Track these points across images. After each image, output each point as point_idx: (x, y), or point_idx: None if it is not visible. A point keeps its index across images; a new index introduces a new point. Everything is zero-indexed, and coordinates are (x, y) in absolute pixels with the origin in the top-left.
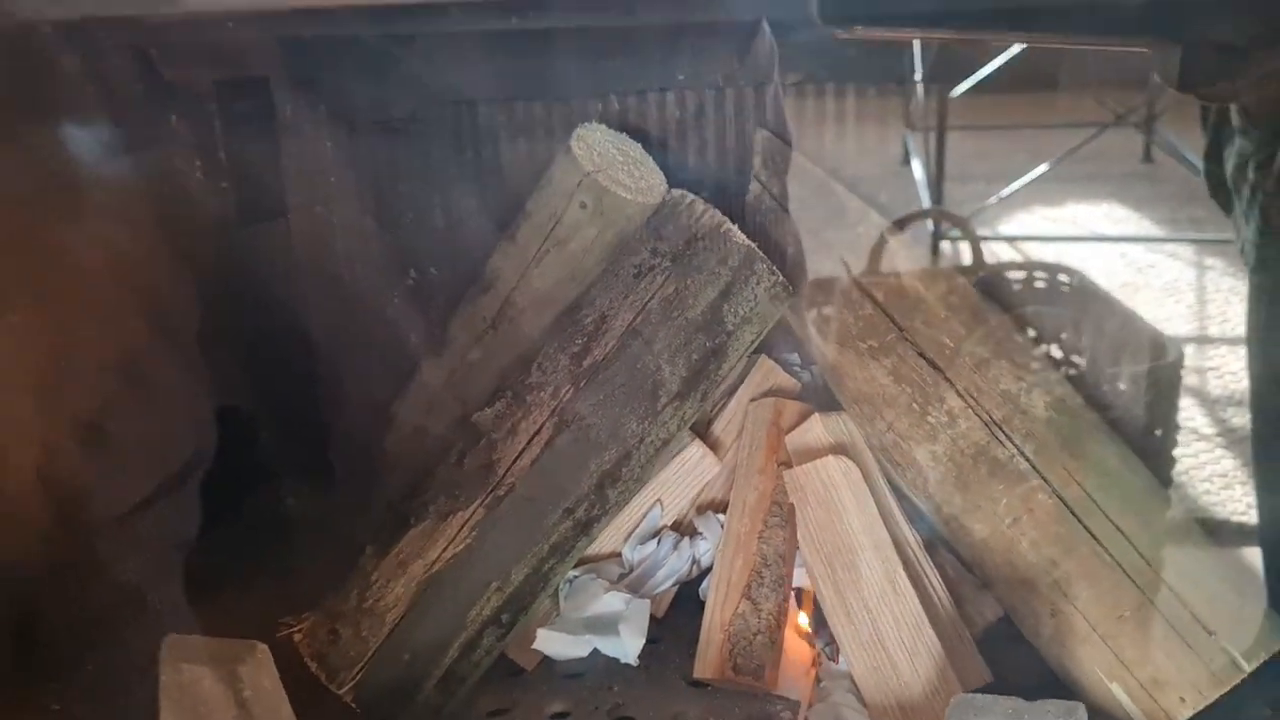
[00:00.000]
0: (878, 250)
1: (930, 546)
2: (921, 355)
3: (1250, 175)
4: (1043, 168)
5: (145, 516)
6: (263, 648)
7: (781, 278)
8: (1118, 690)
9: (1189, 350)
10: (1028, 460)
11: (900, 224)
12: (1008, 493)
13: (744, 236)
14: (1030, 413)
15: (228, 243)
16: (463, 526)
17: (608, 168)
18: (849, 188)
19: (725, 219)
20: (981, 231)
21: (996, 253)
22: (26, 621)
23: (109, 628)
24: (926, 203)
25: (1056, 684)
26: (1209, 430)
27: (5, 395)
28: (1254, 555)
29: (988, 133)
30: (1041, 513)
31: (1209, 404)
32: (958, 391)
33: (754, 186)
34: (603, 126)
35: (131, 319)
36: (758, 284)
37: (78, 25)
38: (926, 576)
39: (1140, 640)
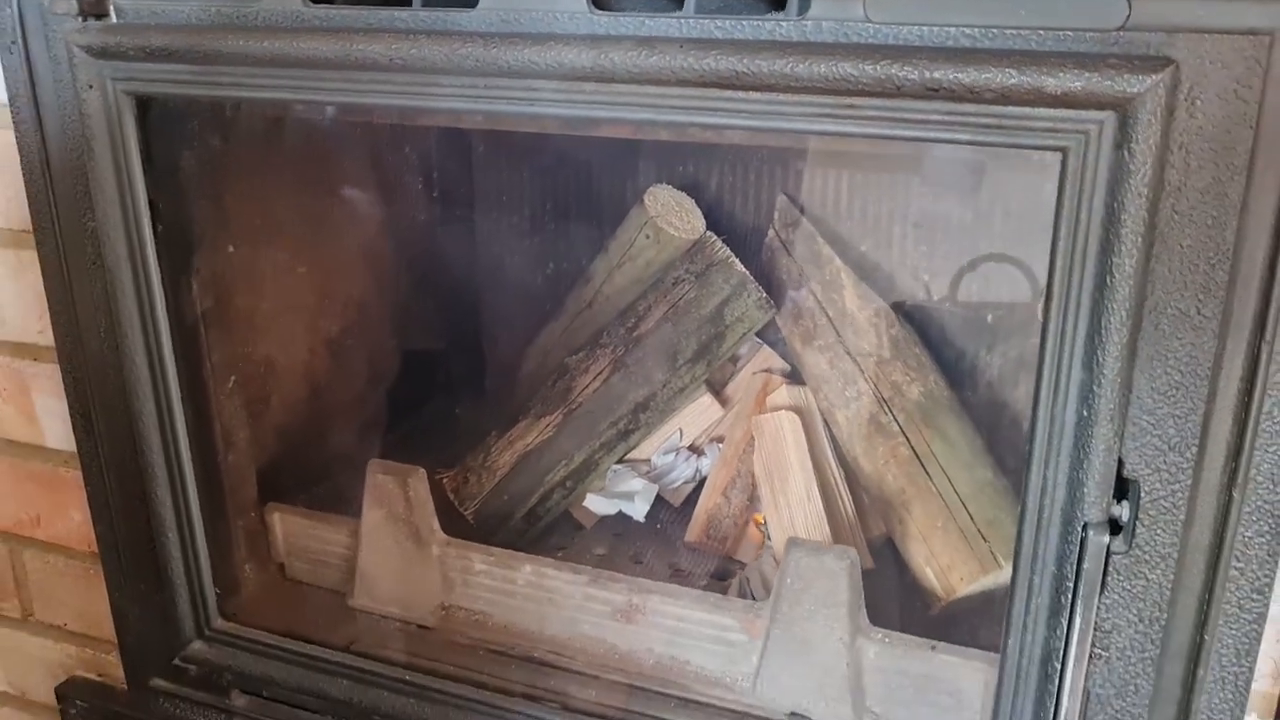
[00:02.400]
0: (956, 280)
1: (850, 476)
2: (848, 353)
3: None
4: None
5: (362, 401)
6: (421, 470)
7: (765, 294)
8: (929, 571)
9: None
10: (899, 425)
11: (972, 264)
12: (884, 444)
13: (742, 266)
14: (907, 396)
15: (432, 232)
16: (549, 425)
17: (666, 214)
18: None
19: (732, 254)
20: None
21: None
22: (287, 456)
23: (338, 462)
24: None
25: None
26: None
27: (289, 318)
28: None
29: None
30: (901, 458)
31: None
32: (865, 378)
33: (771, 232)
34: (669, 187)
35: (365, 277)
36: (748, 297)
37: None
38: (838, 492)
39: (944, 542)
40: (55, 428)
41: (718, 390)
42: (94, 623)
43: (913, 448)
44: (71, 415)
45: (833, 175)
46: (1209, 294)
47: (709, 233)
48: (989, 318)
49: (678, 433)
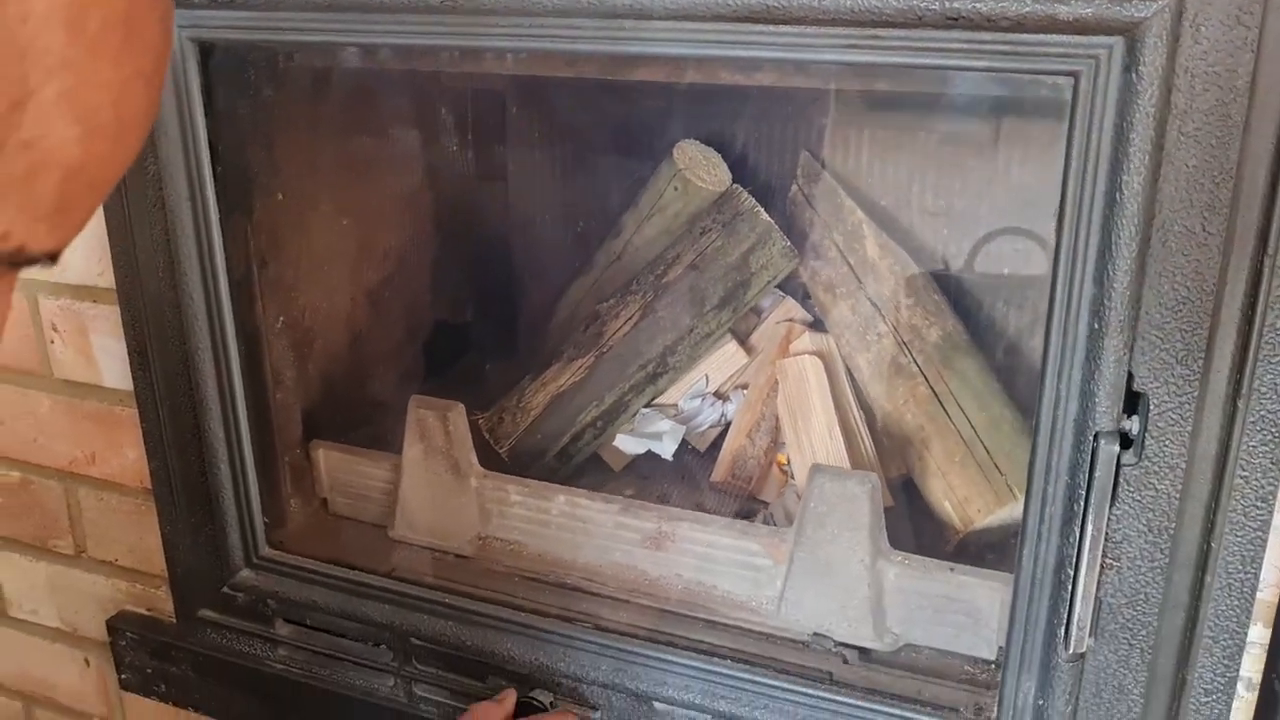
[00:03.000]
0: (975, 251)
1: (870, 417)
2: (869, 299)
3: None
4: None
5: (401, 349)
6: (460, 405)
7: (789, 243)
8: (947, 505)
9: None
10: (918, 366)
11: (988, 237)
12: (903, 385)
13: (767, 216)
14: (927, 339)
15: (467, 188)
16: (581, 367)
17: (694, 167)
18: None
19: (758, 204)
20: None
21: None
22: (331, 398)
23: (377, 407)
24: None
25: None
26: None
27: (333, 268)
28: None
29: None
30: (920, 398)
31: None
32: (886, 323)
33: (794, 187)
34: (697, 142)
35: (404, 229)
36: (773, 246)
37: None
38: (859, 432)
39: (962, 476)
40: (112, 367)
41: (743, 339)
42: (144, 558)
43: (931, 387)
44: (129, 354)
45: (854, 131)
46: (1214, 212)
47: (735, 184)
48: (1005, 270)
49: (704, 378)
